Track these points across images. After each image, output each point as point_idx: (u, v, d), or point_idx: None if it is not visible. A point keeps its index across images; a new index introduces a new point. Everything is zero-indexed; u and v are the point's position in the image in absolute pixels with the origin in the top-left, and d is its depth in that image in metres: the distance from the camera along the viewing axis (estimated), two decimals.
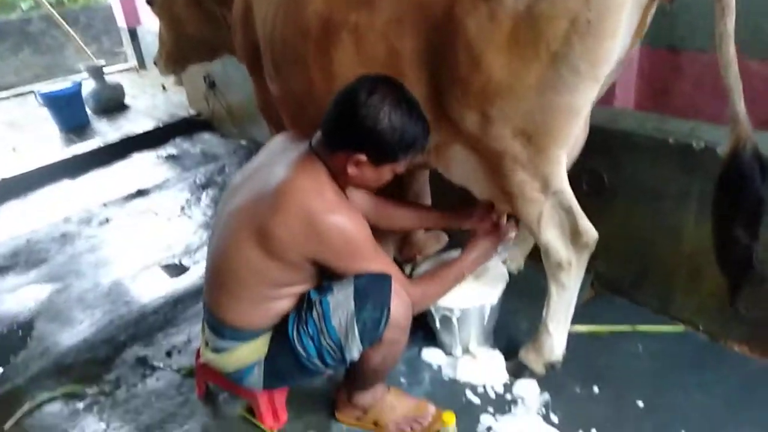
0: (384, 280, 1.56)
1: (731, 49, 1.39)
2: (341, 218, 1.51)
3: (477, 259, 1.91)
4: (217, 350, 1.74)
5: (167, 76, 4.04)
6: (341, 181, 1.59)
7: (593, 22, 1.35)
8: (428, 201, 2.67)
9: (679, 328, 2.21)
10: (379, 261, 1.60)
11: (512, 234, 1.99)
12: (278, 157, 1.67)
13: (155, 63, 3.20)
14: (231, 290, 1.64)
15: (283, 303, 1.65)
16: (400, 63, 1.64)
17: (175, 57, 3.01)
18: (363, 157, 1.49)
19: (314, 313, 1.56)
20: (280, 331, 1.66)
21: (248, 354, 1.70)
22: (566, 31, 1.38)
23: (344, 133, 1.49)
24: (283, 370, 1.70)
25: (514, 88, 1.48)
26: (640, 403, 1.91)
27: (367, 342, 1.56)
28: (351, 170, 1.53)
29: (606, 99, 3.02)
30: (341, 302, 1.53)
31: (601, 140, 2.14)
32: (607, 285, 2.45)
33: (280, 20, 1.91)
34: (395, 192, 2.40)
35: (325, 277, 1.64)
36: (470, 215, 1.99)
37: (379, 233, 1.72)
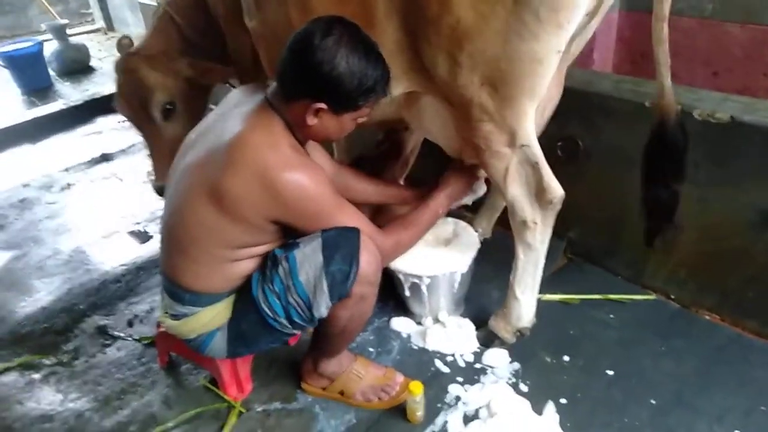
0: (352, 231, 1.50)
1: (664, 27, 1.53)
2: (299, 174, 1.42)
3: (451, 195, 1.84)
4: (176, 317, 1.66)
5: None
6: (300, 134, 1.50)
7: None
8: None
9: (650, 296, 2.19)
10: (345, 214, 1.52)
11: (483, 172, 1.91)
12: (233, 111, 1.56)
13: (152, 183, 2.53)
14: (187, 253, 1.55)
15: (244, 264, 1.57)
16: (374, 2, 1.56)
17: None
18: (322, 106, 1.40)
19: (280, 270, 1.49)
20: (243, 293, 1.59)
21: (210, 319, 1.63)
22: None
23: (301, 80, 1.40)
24: (248, 334, 1.64)
25: (481, 31, 1.43)
26: (610, 372, 1.89)
27: (336, 297, 1.49)
28: (310, 120, 1.44)
29: (584, 62, 2.96)
30: (308, 256, 1.46)
31: (577, 104, 2.08)
32: (580, 253, 2.42)
33: None
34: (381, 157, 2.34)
35: (289, 236, 1.56)
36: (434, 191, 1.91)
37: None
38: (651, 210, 1.74)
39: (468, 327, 2.08)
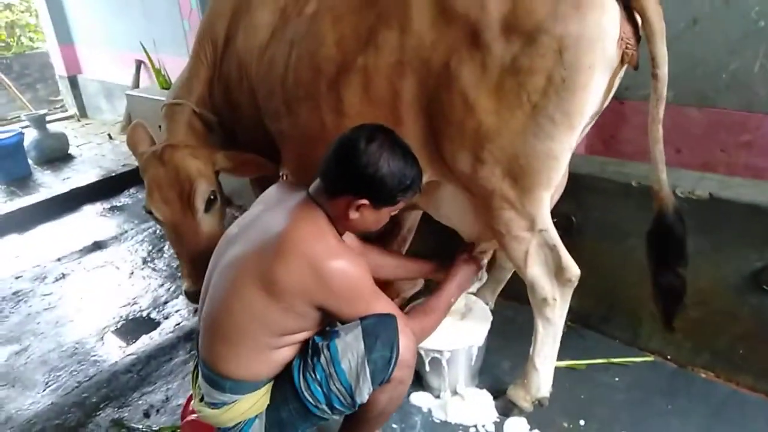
0: (390, 318, 1.60)
1: (659, 129, 1.64)
2: (344, 263, 1.55)
3: (461, 284, 1.99)
4: (215, 405, 1.69)
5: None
6: (340, 226, 1.64)
7: (567, 78, 1.52)
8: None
9: (649, 358, 2.35)
10: (381, 302, 1.63)
11: (485, 261, 2.09)
12: (276, 206, 1.70)
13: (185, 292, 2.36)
14: (232, 340, 1.62)
15: (285, 352, 1.65)
16: (401, 104, 1.75)
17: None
18: (365, 202, 1.56)
19: (322, 358, 1.57)
20: (282, 380, 1.65)
21: (249, 407, 1.67)
22: (544, 85, 1.54)
23: (346, 179, 1.56)
24: (287, 421, 1.68)
25: (501, 133, 1.62)
26: None
27: (378, 382, 1.57)
28: (352, 215, 1.58)
29: None
30: (350, 344, 1.55)
31: (568, 185, 2.29)
32: (578, 320, 2.58)
33: (293, 61, 1.99)
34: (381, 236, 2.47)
35: (326, 324, 1.66)
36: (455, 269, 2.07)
37: None
38: (665, 295, 1.81)
39: (486, 397, 2.18)
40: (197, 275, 2.13)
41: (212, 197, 2.27)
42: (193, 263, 2.26)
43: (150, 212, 2.26)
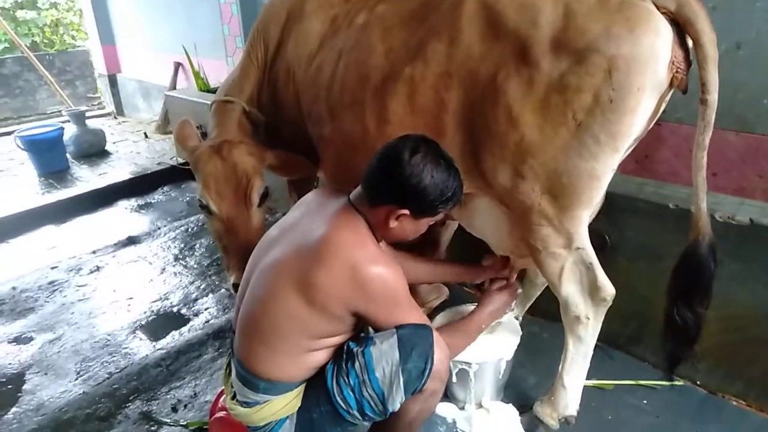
0: (426, 330, 1.61)
1: (704, 156, 1.64)
2: (384, 269, 1.57)
3: (493, 312, 1.99)
4: (248, 404, 1.72)
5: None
6: (379, 234, 1.67)
7: (615, 99, 1.52)
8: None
9: (678, 382, 2.32)
10: (416, 312, 1.66)
11: (520, 290, 2.10)
12: (316, 211, 1.73)
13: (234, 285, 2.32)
14: (269, 342, 1.65)
15: (319, 355, 1.67)
16: (444, 115, 1.78)
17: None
18: (405, 211, 1.58)
19: (356, 365, 1.59)
20: (315, 384, 1.68)
21: (281, 407, 1.70)
22: (590, 104, 1.54)
23: (389, 189, 1.58)
24: (317, 423, 1.70)
25: (544, 149, 1.63)
26: None
27: (410, 392, 1.59)
28: (392, 223, 1.61)
29: None
30: (385, 352, 1.57)
31: (605, 204, 2.29)
32: (607, 340, 2.55)
33: (341, 69, 2.04)
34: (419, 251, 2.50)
35: (360, 329, 1.68)
36: (483, 270, 2.09)
37: None
38: (675, 332, 1.77)
39: (512, 412, 2.18)
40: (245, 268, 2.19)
41: (266, 192, 2.32)
42: (242, 256, 2.25)
43: (203, 206, 2.29)
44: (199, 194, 2.29)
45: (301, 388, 1.72)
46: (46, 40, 9.23)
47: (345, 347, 1.64)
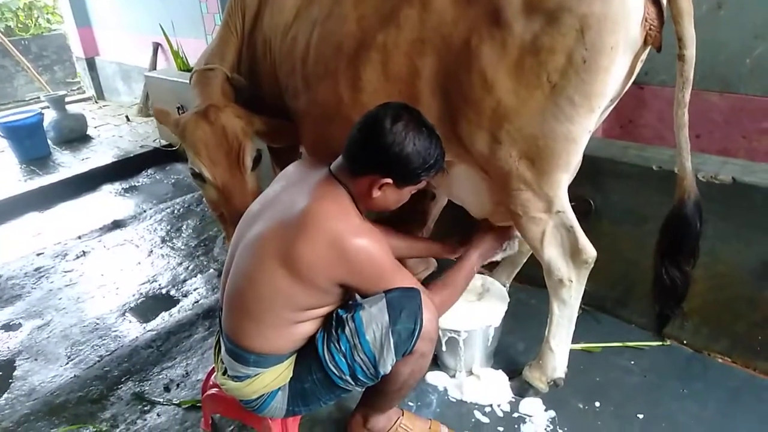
0: (414, 291, 1.62)
1: (685, 113, 1.63)
2: (367, 240, 1.56)
3: (482, 254, 2.00)
4: (239, 378, 1.73)
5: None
6: (361, 204, 1.66)
7: (588, 59, 1.50)
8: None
9: (665, 342, 2.36)
10: (401, 276, 1.65)
11: (517, 232, 2.06)
12: (298, 183, 1.72)
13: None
14: (255, 316, 1.65)
15: (307, 326, 1.68)
16: (418, 82, 1.75)
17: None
18: (388, 180, 1.57)
19: (347, 330, 1.59)
20: (305, 353, 1.68)
21: (273, 379, 1.71)
22: (564, 65, 1.52)
23: (371, 159, 1.57)
24: (310, 392, 1.72)
25: (520, 113, 1.61)
26: (640, 416, 2.02)
27: (401, 354, 1.60)
28: (375, 193, 1.60)
29: None
30: (375, 315, 1.57)
31: (588, 168, 2.29)
32: (594, 304, 2.58)
33: (315, 40, 2.01)
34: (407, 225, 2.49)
35: (348, 299, 1.69)
36: (461, 247, 2.08)
37: None
38: (664, 291, 1.80)
39: (502, 378, 2.20)
40: None
41: (258, 155, 2.27)
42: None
43: (196, 174, 2.22)
44: (190, 162, 2.22)
45: (291, 360, 1.72)
46: (20, 25, 8.98)
47: (334, 315, 1.65)
